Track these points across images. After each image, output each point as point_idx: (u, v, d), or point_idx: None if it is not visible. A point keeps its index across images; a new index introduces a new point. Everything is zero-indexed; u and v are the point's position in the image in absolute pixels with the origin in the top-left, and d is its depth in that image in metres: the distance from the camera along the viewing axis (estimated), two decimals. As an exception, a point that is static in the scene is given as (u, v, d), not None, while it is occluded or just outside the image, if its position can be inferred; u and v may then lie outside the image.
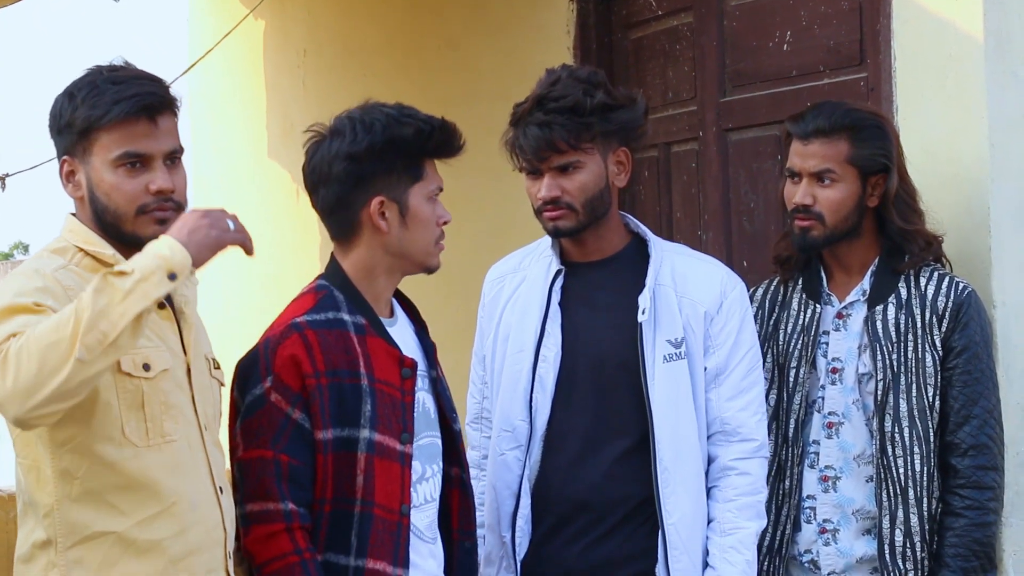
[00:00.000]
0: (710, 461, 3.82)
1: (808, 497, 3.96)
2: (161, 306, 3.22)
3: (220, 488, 3.25)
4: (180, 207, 3.24)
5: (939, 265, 3.97)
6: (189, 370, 3.26)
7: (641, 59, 5.56)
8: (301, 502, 3.34)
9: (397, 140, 3.42)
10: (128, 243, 3.19)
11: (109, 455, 3.08)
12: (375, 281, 3.50)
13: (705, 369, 3.80)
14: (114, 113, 3.14)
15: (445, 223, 3.50)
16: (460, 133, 3.51)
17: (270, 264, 7.89)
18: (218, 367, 3.40)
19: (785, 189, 3.99)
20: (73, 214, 3.27)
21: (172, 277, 2.93)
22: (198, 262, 3.00)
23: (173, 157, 3.23)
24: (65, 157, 3.23)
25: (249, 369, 3.41)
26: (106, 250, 3.18)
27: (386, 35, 7.03)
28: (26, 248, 45.05)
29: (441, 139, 3.46)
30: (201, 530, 3.17)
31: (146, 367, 3.14)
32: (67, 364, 2.84)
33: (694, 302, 3.80)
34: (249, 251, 3.16)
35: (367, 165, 3.43)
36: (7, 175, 7.15)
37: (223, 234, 3.05)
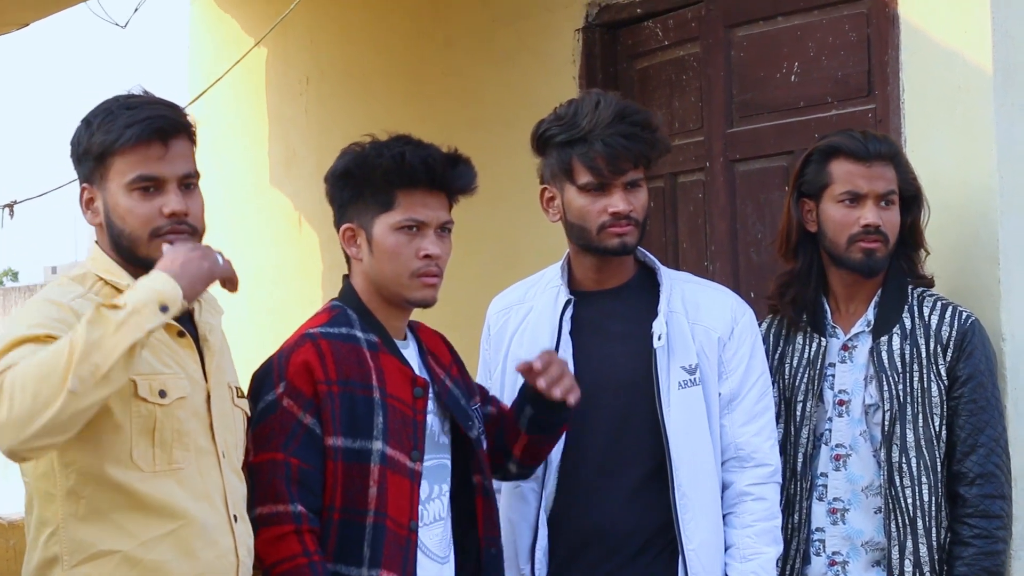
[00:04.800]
0: (724, 487, 3.81)
1: (817, 530, 3.95)
2: (181, 334, 3.24)
3: (235, 516, 3.24)
4: (196, 231, 3.25)
5: (941, 294, 3.97)
6: (209, 397, 3.26)
7: (647, 89, 5.57)
8: (310, 506, 3.37)
9: (362, 168, 3.47)
10: (145, 267, 3.20)
11: (115, 476, 3.09)
12: (379, 306, 3.54)
13: (720, 395, 3.80)
14: (126, 137, 3.16)
15: (426, 256, 3.46)
16: (454, 168, 3.49)
17: (272, 290, 7.89)
18: (242, 395, 3.40)
19: (838, 214, 3.91)
20: (96, 242, 3.28)
21: (164, 309, 2.96)
22: (189, 295, 3.02)
23: (188, 181, 3.24)
24: (84, 185, 3.25)
25: (262, 378, 3.46)
26: (122, 280, 3.19)
27: (389, 63, 7.04)
28: (15, 275, 44.80)
29: (407, 171, 3.43)
30: (211, 555, 3.16)
31: (162, 394, 3.14)
32: (60, 396, 2.85)
33: (707, 328, 3.80)
34: (234, 287, 3.19)
35: (336, 191, 3.53)
36: (15, 202, 7.16)
37: (214, 267, 3.08)
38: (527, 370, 3.56)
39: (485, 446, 3.67)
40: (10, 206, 7.12)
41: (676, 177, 5.42)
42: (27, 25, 6.90)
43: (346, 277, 3.62)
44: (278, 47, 7.79)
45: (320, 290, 7.45)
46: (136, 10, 6.73)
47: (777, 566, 3.83)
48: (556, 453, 3.79)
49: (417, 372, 3.53)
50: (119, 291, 3.16)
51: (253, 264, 8.14)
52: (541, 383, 3.53)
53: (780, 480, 3.85)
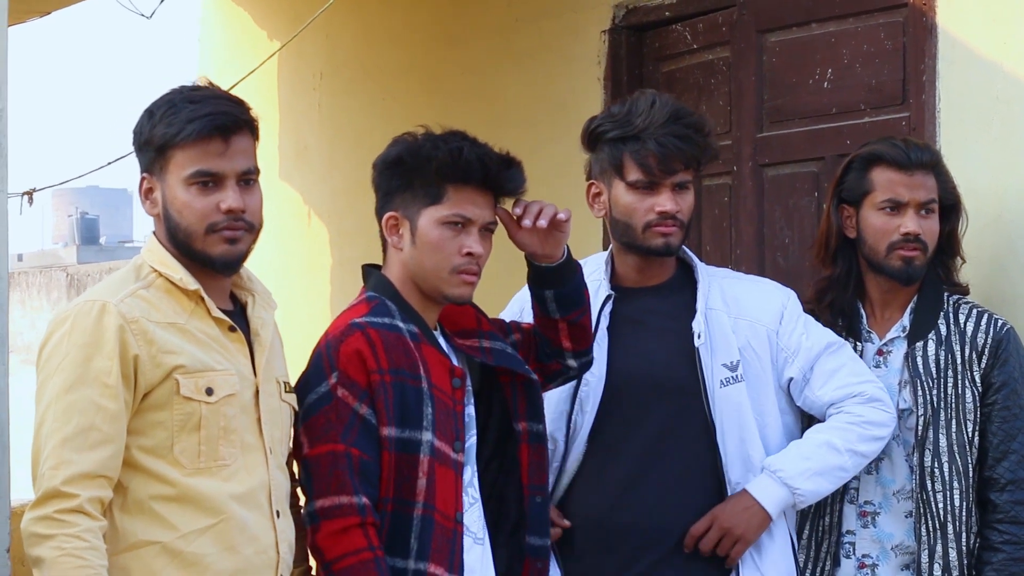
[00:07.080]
0: None
1: (847, 532, 3.99)
2: (232, 329, 3.24)
3: (277, 512, 3.24)
4: (252, 227, 3.26)
5: (976, 302, 4.00)
6: (257, 392, 3.26)
7: (673, 92, 5.53)
8: (372, 498, 3.34)
9: (416, 158, 3.45)
10: (199, 261, 3.21)
11: (157, 470, 3.10)
12: (415, 297, 3.51)
13: (791, 379, 3.85)
14: (188, 131, 3.16)
15: (468, 253, 3.45)
16: (507, 170, 3.50)
17: (279, 285, 7.86)
18: (290, 391, 3.38)
19: (878, 221, 3.95)
20: (154, 232, 3.29)
21: None
22: None
23: (247, 177, 3.24)
24: (144, 175, 3.25)
25: (311, 370, 3.42)
26: (175, 273, 3.19)
27: (406, 59, 7.02)
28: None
29: (462, 166, 3.43)
30: (251, 551, 3.17)
31: (209, 391, 3.15)
32: None
33: (753, 322, 3.85)
34: None
35: (385, 178, 3.51)
36: (35, 190, 7.16)
37: None
38: (509, 221, 3.58)
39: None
40: (29, 193, 7.13)
41: (701, 180, 5.43)
42: (48, 14, 6.88)
43: (367, 267, 3.61)
44: (292, 41, 7.77)
45: (328, 285, 7.43)
46: (162, 1, 6.71)
47: (834, 463, 3.82)
48: (580, 444, 3.81)
49: (454, 362, 3.52)
50: (172, 283, 3.19)
51: (261, 258, 8.11)
52: (526, 223, 3.54)
53: (885, 408, 3.85)
